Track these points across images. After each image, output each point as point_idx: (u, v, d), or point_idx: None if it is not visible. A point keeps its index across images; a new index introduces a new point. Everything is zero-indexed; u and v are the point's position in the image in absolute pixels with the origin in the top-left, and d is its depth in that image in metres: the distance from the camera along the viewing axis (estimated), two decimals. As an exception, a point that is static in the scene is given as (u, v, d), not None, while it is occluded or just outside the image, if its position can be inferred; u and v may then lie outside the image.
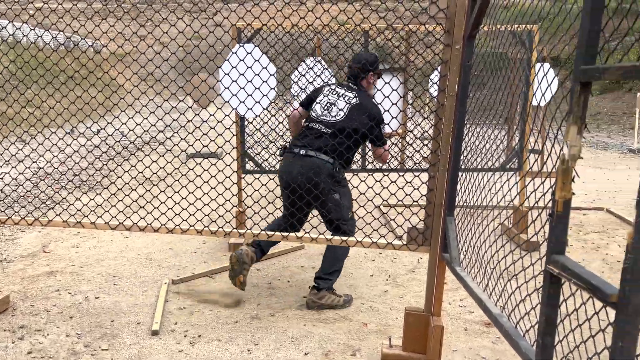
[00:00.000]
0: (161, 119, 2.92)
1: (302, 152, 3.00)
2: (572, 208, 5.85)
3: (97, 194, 3.06)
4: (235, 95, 2.77)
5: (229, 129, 2.97)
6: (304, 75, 4.18)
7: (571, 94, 1.24)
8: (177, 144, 2.76)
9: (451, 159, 2.22)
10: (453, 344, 2.73)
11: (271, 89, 2.72)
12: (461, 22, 2.09)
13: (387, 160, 3.11)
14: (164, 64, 2.99)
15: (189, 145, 2.77)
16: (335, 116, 3.01)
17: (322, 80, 4.13)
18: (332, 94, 3.10)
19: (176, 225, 2.59)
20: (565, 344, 2.02)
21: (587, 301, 1.21)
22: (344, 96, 3.08)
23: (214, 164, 2.92)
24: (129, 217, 2.88)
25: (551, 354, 1.35)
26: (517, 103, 4.27)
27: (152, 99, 2.97)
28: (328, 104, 3.07)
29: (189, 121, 2.89)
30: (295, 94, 4.45)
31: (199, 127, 3.11)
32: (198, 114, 3.21)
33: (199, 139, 2.84)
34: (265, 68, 2.90)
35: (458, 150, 2.20)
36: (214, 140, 2.99)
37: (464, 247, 2.15)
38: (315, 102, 3.16)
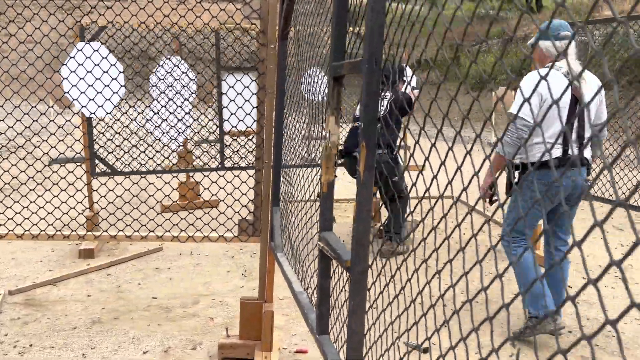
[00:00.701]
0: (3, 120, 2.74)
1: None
2: (430, 197, 6.37)
3: None
4: (73, 89, 2.68)
5: (53, 127, 2.86)
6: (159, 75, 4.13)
7: (327, 88, 1.40)
8: (22, 146, 2.61)
9: (274, 153, 2.34)
10: (293, 329, 2.87)
11: (121, 86, 2.66)
12: (275, 22, 2.21)
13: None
14: (13, 63, 2.82)
15: (36, 148, 2.63)
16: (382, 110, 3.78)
17: (178, 78, 4.10)
18: None
19: (9, 231, 2.45)
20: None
21: (342, 272, 1.37)
22: (382, 97, 3.87)
23: (63, 166, 2.79)
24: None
25: (327, 321, 1.50)
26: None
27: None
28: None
29: (34, 121, 2.74)
30: (152, 91, 4.37)
31: (44, 128, 2.95)
32: (45, 114, 3.05)
33: (45, 141, 2.70)
34: (113, 66, 2.83)
35: (279, 144, 2.32)
36: (63, 141, 2.86)
37: (286, 235, 2.28)
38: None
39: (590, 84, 2.54)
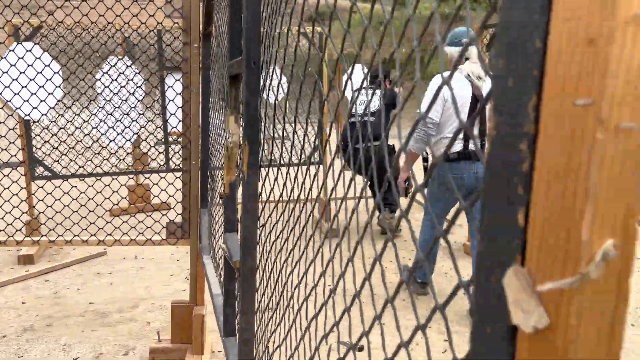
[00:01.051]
0: None
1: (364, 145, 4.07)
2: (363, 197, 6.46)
3: None
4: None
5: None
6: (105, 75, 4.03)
7: (225, 87, 1.38)
8: None
9: (201, 154, 2.32)
10: (231, 332, 2.84)
11: (57, 87, 2.58)
12: (197, 21, 2.19)
13: None
14: None
15: None
16: (374, 106, 4.14)
17: (126, 78, 4.02)
18: (363, 95, 4.29)
19: None
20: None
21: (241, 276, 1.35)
22: (374, 94, 4.48)
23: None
24: None
25: (233, 323, 1.49)
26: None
27: None
28: (365, 101, 3.97)
29: None
30: (101, 93, 4.27)
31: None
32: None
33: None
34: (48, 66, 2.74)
35: (206, 144, 2.30)
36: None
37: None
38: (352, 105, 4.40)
39: (490, 84, 2.80)
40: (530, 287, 0.25)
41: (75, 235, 2.34)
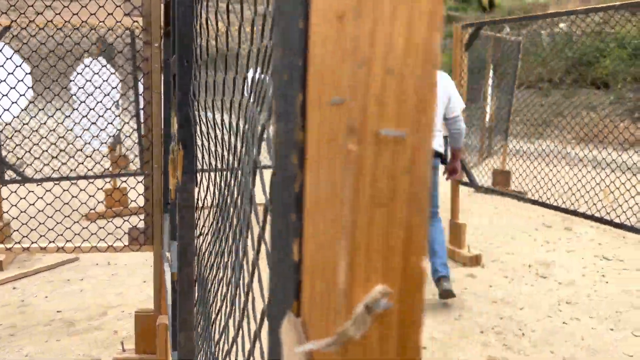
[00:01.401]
0: None
1: None
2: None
3: None
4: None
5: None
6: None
7: (171, 86, 1.32)
8: None
9: (163, 156, 2.25)
10: (200, 339, 2.77)
11: (11, 87, 2.50)
12: (158, 19, 2.12)
13: None
14: None
15: None
16: None
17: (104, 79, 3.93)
18: None
19: None
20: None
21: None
22: None
23: None
24: None
25: (176, 331, 1.42)
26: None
27: None
28: None
29: None
30: (75, 95, 4.17)
31: None
32: None
33: None
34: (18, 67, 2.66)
35: (169, 147, 2.23)
36: None
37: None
38: None
39: (441, 80, 2.99)
40: (303, 343, 0.19)
41: (33, 242, 2.26)
